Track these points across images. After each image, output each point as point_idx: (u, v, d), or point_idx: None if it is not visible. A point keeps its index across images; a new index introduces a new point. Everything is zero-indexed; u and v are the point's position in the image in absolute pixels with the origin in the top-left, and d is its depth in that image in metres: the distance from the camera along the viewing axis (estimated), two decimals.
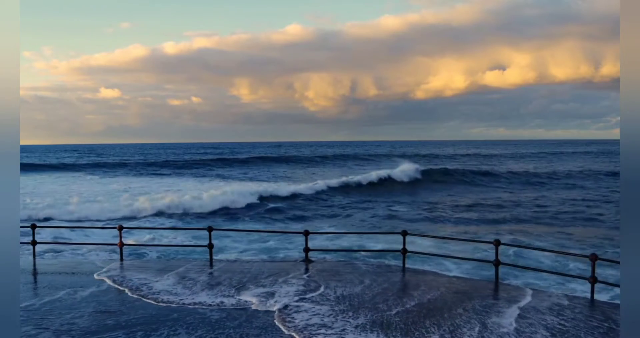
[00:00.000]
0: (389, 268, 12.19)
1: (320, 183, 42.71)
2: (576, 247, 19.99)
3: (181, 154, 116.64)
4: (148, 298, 9.65)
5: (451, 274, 13.45)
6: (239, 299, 9.56)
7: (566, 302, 9.36)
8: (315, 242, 19.44)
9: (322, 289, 10.11)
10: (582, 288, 13.22)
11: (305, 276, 11.07)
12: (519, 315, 8.59)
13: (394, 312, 8.73)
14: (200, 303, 9.35)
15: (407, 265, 12.09)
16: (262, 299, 9.49)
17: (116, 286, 10.57)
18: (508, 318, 8.44)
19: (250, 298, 9.60)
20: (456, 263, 16.38)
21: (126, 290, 10.24)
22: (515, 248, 17.83)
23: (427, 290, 10.06)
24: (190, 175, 58.96)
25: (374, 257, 17.49)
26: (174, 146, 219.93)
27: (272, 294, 9.81)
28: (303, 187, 40.55)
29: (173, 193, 35.99)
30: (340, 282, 10.56)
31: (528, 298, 9.55)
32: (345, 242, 20.81)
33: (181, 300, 9.56)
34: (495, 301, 9.42)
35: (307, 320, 8.37)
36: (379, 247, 18.78)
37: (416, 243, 19.04)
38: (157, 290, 10.21)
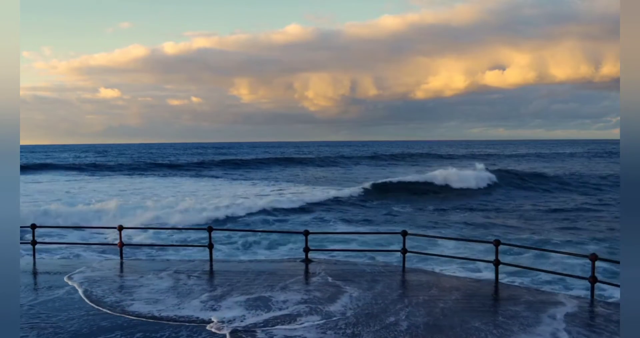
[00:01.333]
0: (389, 268, 12.19)
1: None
2: None
3: (194, 155, 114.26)
4: (116, 310, 8.88)
5: (453, 274, 13.44)
6: (224, 311, 8.76)
7: (599, 309, 8.95)
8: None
9: (319, 296, 9.58)
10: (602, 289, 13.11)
11: (304, 280, 10.92)
12: (554, 333, 7.64)
13: (403, 327, 7.88)
14: (181, 318, 8.43)
15: (407, 266, 12.08)
16: (252, 311, 8.73)
17: (89, 293, 9.94)
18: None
19: (237, 309, 8.84)
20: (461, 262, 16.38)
21: (100, 296, 9.65)
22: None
23: (437, 295, 9.63)
24: (222, 178, 56.94)
25: (374, 256, 17.49)
26: (179, 146, 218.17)
27: (266, 302, 9.17)
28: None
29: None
30: (339, 284, 10.43)
31: (554, 306, 8.98)
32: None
33: (160, 311, 8.80)
34: (515, 308, 8.85)
35: (290, 332, 7.68)
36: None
37: (440, 244, 19.01)
38: (140, 297, 9.57)
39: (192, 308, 8.95)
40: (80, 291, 10.09)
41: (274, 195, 36.68)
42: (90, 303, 9.26)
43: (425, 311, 8.68)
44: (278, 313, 8.67)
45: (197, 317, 8.47)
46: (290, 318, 8.38)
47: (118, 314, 8.68)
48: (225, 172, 66.38)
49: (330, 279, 10.83)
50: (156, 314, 8.65)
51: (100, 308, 8.97)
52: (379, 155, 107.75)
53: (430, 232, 23.47)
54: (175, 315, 8.57)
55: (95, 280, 10.96)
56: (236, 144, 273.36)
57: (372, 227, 26.25)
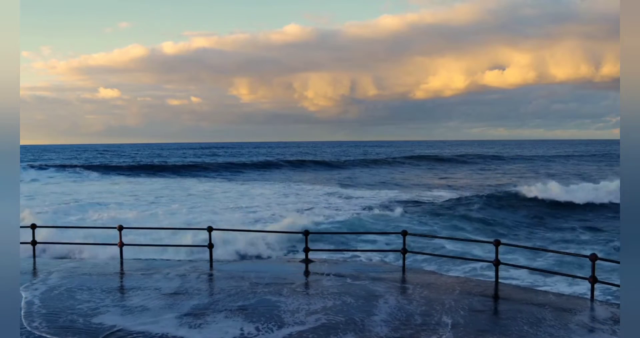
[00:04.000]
0: (389, 267, 12.21)
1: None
2: None
3: (227, 156, 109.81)
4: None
5: (453, 274, 13.44)
6: (218, 324, 7.75)
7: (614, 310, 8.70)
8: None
9: (317, 305, 8.83)
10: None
11: (310, 282, 10.73)
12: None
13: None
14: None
15: (406, 265, 12.09)
16: (259, 324, 7.72)
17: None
18: None
19: (236, 321, 7.89)
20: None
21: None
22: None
23: (453, 301, 9.18)
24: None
25: (374, 256, 17.50)
26: (186, 146, 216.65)
27: (273, 311, 8.36)
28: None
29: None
30: (338, 286, 10.35)
31: (578, 310, 8.74)
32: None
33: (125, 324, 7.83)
34: (537, 308, 8.66)
35: None
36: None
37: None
38: (118, 304, 8.95)
39: (168, 323, 7.90)
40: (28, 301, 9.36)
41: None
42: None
43: (442, 321, 8.14)
44: (295, 328, 7.61)
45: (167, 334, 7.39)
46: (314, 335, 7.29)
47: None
48: (292, 174, 63.87)
49: (336, 281, 10.70)
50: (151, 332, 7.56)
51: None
52: (424, 156, 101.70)
53: None
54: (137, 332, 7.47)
55: (79, 283, 10.67)
56: (245, 143, 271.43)
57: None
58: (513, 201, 32.85)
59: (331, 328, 7.71)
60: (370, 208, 31.32)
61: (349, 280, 10.67)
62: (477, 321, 8.17)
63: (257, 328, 7.61)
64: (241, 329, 7.59)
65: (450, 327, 7.83)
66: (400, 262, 12.03)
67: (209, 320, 8.11)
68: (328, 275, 11.21)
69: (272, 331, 7.53)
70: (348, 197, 38.24)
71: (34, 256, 13.31)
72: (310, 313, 8.42)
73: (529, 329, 7.77)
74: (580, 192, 34.05)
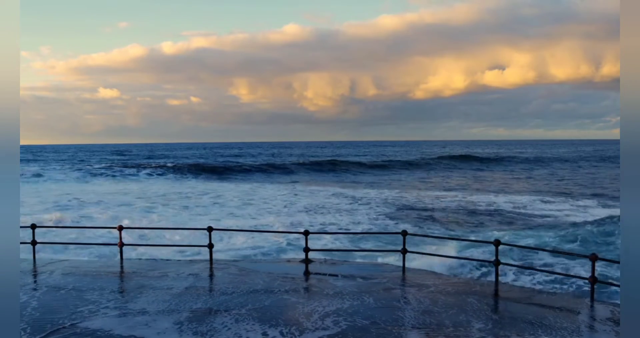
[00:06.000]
0: (388, 268, 12.20)
1: None
2: None
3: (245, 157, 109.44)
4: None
5: (452, 274, 13.44)
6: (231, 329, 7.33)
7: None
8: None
9: (317, 310, 8.51)
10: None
11: (315, 282, 10.67)
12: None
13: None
14: None
15: (406, 266, 12.08)
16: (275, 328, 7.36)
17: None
18: None
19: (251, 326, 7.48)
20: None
21: None
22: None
23: (470, 302, 9.07)
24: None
25: (374, 256, 17.49)
26: (185, 146, 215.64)
27: (288, 315, 8.08)
28: None
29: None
30: (346, 286, 10.29)
31: (582, 311, 8.68)
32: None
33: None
34: (543, 310, 8.62)
35: None
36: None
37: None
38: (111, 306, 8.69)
39: (167, 326, 7.60)
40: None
41: None
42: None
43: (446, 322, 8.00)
44: (321, 333, 7.26)
45: None
46: None
47: None
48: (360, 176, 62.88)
49: (342, 282, 10.65)
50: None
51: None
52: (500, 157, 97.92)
53: None
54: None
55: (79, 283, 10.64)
56: (249, 144, 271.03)
57: None
58: None
59: (356, 331, 7.51)
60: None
61: (359, 280, 10.66)
62: (503, 323, 8.03)
63: (282, 333, 7.38)
64: (264, 334, 7.38)
65: (477, 329, 7.67)
66: (400, 261, 12.04)
67: (219, 325, 7.82)
68: (334, 275, 11.19)
69: (295, 336, 7.31)
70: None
71: (34, 256, 13.30)
72: (325, 315, 8.23)
73: (542, 333, 7.67)
74: None
